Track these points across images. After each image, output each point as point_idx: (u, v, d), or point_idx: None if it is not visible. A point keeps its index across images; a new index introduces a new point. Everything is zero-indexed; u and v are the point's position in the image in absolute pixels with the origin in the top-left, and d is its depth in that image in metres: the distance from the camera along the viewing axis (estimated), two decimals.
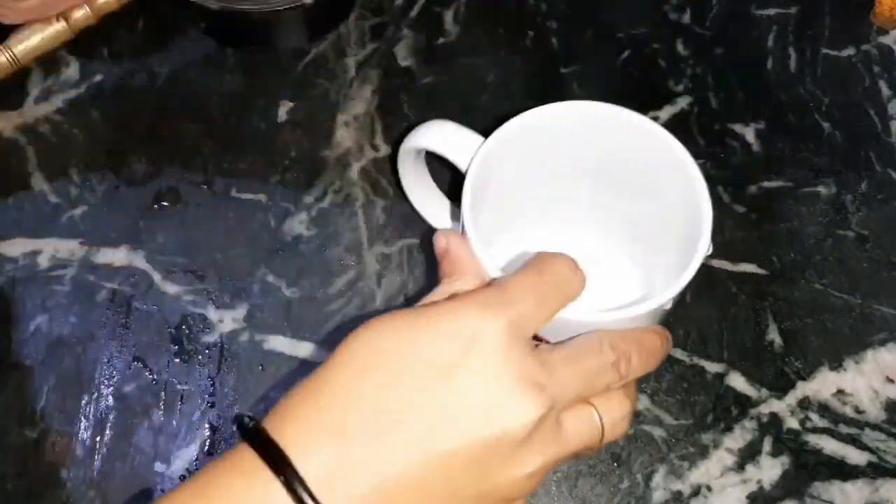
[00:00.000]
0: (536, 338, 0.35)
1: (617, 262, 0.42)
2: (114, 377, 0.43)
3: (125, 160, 0.48)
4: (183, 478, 0.40)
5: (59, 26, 0.49)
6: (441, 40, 0.52)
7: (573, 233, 0.43)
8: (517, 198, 0.40)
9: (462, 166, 0.35)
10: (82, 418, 0.42)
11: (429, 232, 0.44)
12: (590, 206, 0.41)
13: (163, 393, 0.42)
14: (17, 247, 0.46)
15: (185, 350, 0.43)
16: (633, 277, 0.42)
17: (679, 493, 0.40)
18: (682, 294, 0.33)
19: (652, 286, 0.40)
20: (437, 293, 0.33)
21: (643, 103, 0.49)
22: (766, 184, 0.47)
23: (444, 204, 0.43)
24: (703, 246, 0.33)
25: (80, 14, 0.49)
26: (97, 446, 0.41)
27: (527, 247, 0.42)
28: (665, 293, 0.32)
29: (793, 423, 0.41)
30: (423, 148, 0.37)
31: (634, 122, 0.36)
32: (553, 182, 0.40)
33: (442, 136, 0.36)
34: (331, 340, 0.43)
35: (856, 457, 0.41)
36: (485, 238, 0.33)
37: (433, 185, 0.43)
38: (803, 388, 0.42)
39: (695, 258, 0.33)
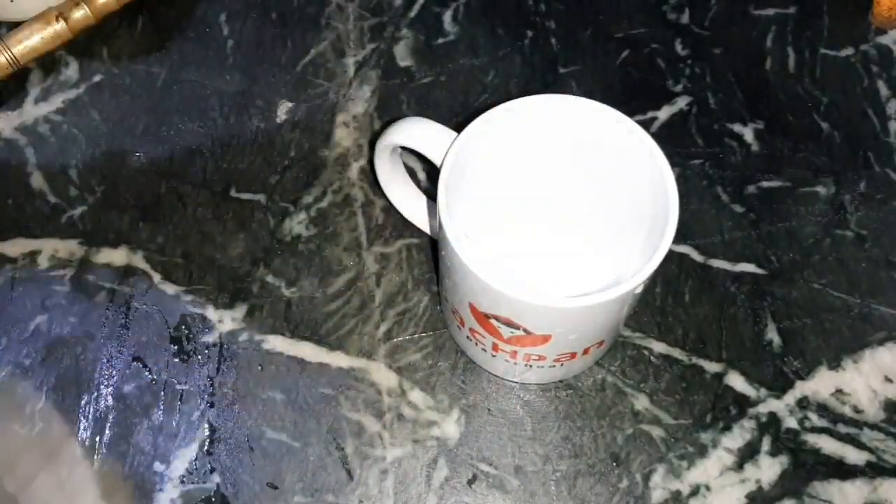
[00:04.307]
0: (513, 325, 0.35)
1: (590, 249, 0.43)
2: (113, 377, 0.43)
3: (124, 160, 0.48)
4: (182, 477, 0.41)
5: (58, 27, 0.49)
6: (440, 40, 0.52)
7: (548, 222, 0.43)
8: (492, 190, 0.41)
9: (437, 161, 0.36)
10: (82, 418, 0.42)
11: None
12: (563, 196, 0.42)
13: (162, 393, 0.42)
14: (16, 247, 0.46)
15: (185, 350, 0.43)
16: (606, 264, 0.42)
17: (678, 492, 0.40)
18: (653, 280, 0.34)
19: (625, 272, 0.41)
20: None
21: (642, 103, 0.49)
22: (764, 183, 0.47)
23: (421, 200, 0.44)
24: (671, 231, 0.34)
25: (80, 14, 0.49)
26: (97, 446, 0.41)
27: (503, 239, 0.43)
28: (634, 279, 0.33)
29: (791, 422, 0.41)
30: (398, 144, 0.38)
31: (601, 113, 0.36)
32: (526, 173, 0.41)
33: (416, 132, 0.37)
34: (329, 340, 0.43)
35: (854, 456, 0.41)
36: (461, 231, 0.34)
37: (409, 181, 0.43)
38: (802, 388, 0.42)
39: (662, 244, 0.33)
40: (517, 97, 0.37)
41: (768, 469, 0.40)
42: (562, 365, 0.39)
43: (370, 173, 0.47)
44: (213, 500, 0.40)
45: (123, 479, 0.41)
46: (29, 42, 0.48)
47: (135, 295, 0.45)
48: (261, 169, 0.48)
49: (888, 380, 0.42)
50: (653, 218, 0.36)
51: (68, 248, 0.46)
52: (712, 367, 0.43)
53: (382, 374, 0.42)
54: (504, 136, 0.37)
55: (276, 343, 0.43)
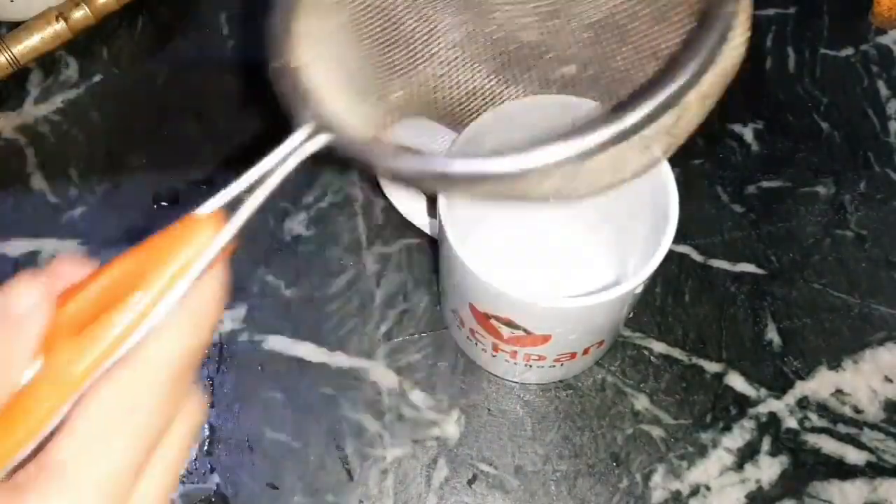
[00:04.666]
0: (513, 325, 0.35)
1: (590, 249, 0.43)
2: None
3: (124, 160, 0.48)
4: (182, 477, 0.41)
5: (58, 26, 0.49)
6: None
7: (547, 222, 0.43)
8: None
9: None
10: None
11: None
12: None
13: None
14: (16, 247, 0.46)
15: None
16: (606, 264, 0.42)
17: (678, 492, 0.40)
18: (653, 280, 0.34)
19: (625, 272, 0.41)
20: None
21: None
22: (764, 183, 0.47)
23: (421, 200, 0.44)
24: (671, 231, 0.34)
25: (80, 14, 0.49)
26: None
27: (503, 240, 0.43)
28: (634, 279, 0.33)
29: (791, 422, 0.41)
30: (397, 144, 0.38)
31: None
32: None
33: (416, 131, 0.37)
34: (329, 340, 0.43)
35: (854, 456, 0.41)
36: (461, 233, 0.34)
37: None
38: (802, 388, 0.42)
39: (662, 244, 0.33)
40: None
41: (768, 469, 0.40)
42: (562, 365, 0.39)
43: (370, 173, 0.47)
44: (213, 500, 0.40)
45: None
46: (29, 42, 0.48)
47: None
48: None
49: (888, 380, 0.42)
50: (653, 218, 0.36)
51: (69, 248, 0.46)
52: (712, 367, 0.43)
53: (382, 375, 0.42)
54: (504, 136, 0.37)
55: (276, 343, 0.43)
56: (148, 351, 0.22)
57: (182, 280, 0.22)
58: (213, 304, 0.23)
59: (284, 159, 0.26)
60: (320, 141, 0.26)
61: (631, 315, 0.43)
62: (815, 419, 0.41)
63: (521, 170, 0.24)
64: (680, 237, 0.45)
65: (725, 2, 0.25)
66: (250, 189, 0.25)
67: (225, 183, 0.24)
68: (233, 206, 0.24)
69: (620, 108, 0.24)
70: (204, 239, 0.23)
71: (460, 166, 0.24)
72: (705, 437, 0.41)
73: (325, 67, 0.29)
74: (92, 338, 0.21)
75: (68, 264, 0.23)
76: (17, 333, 0.21)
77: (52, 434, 0.21)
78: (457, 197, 0.27)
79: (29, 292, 0.21)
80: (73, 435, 0.20)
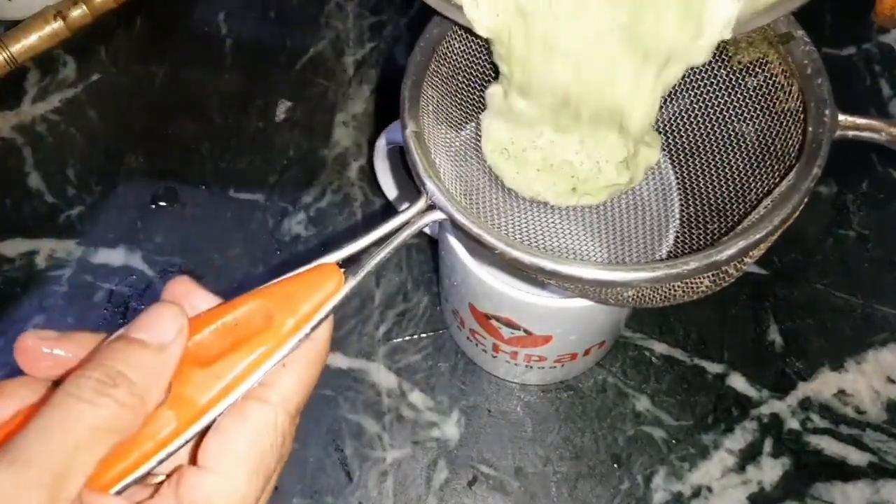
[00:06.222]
0: (514, 326, 0.35)
1: (591, 250, 0.42)
2: None
3: (123, 160, 0.48)
4: None
5: (56, 25, 0.48)
6: None
7: (548, 223, 0.43)
8: (492, 192, 0.40)
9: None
10: None
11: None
12: None
13: None
14: (14, 247, 0.46)
15: None
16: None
17: (679, 494, 0.40)
18: None
19: None
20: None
21: None
22: None
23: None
24: (672, 232, 0.33)
25: (78, 13, 0.49)
26: None
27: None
28: None
29: (794, 423, 0.41)
30: (397, 144, 0.38)
31: None
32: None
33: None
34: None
35: (857, 457, 0.40)
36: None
37: (409, 181, 0.43)
38: (804, 389, 0.42)
39: (664, 245, 0.33)
40: None
41: (770, 470, 0.40)
42: (562, 366, 0.39)
43: (369, 173, 0.47)
44: None
45: None
46: (27, 41, 0.48)
47: (133, 295, 0.44)
48: (259, 169, 0.48)
49: (891, 380, 0.42)
50: (656, 217, 0.35)
51: (66, 248, 0.45)
52: (714, 367, 0.42)
53: (382, 375, 0.42)
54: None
55: None
56: (274, 391, 0.23)
57: (307, 325, 0.23)
58: (325, 349, 0.24)
59: (401, 227, 0.27)
60: (437, 216, 0.27)
61: (632, 315, 0.43)
62: (817, 420, 0.41)
63: (615, 280, 0.26)
64: None
65: (814, 164, 0.28)
66: (366, 249, 0.26)
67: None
68: (345, 265, 0.25)
69: (715, 245, 0.26)
70: (329, 289, 0.24)
71: (565, 268, 0.26)
72: (707, 438, 0.41)
73: (435, 135, 0.31)
74: (218, 373, 0.22)
75: (180, 286, 0.24)
76: (165, 361, 0.22)
77: (168, 457, 0.22)
78: (554, 286, 0.29)
79: (174, 321, 0.23)
80: (212, 471, 0.21)
